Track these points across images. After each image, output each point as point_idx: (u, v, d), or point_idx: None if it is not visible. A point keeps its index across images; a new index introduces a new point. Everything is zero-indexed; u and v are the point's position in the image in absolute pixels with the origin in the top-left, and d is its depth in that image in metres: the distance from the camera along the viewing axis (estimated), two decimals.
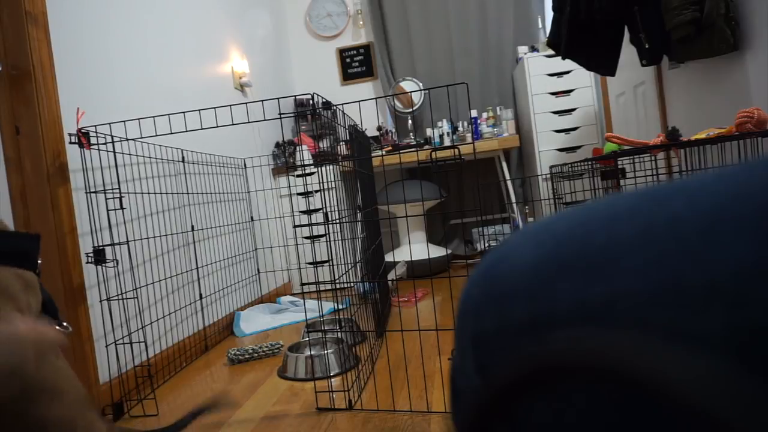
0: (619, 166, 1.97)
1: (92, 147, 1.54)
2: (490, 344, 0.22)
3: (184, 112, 1.89)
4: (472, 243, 3.79)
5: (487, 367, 0.22)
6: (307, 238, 1.52)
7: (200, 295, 2.24)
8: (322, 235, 1.44)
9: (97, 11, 1.81)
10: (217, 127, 1.67)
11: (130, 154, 1.86)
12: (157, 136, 1.78)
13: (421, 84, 3.69)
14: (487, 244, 3.40)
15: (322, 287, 3.12)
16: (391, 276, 2.75)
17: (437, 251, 3.31)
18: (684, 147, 1.94)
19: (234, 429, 1.37)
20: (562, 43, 2.42)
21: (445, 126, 3.49)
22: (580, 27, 2.32)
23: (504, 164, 3.33)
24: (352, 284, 2.86)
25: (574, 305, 0.19)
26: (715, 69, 2.03)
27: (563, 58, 2.48)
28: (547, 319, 0.20)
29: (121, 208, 1.63)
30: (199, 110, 1.57)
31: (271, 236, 3.12)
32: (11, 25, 1.45)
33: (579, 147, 3.20)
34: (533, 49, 3.43)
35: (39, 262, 0.63)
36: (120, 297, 1.63)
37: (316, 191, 1.65)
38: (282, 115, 1.40)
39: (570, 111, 3.21)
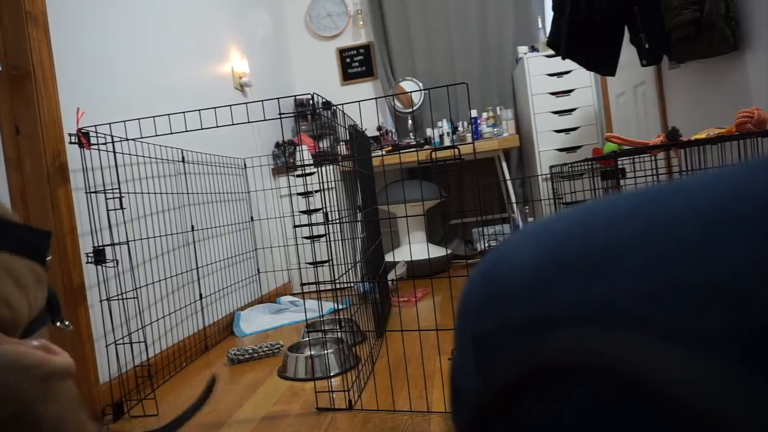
0: (619, 166, 1.97)
1: (92, 147, 1.54)
2: (490, 344, 0.22)
3: (184, 112, 1.89)
4: (472, 243, 3.79)
5: (487, 367, 0.22)
6: (307, 238, 1.52)
7: (200, 295, 2.24)
8: (322, 235, 1.44)
9: (97, 11, 1.81)
10: (217, 127, 1.67)
11: (130, 154, 1.86)
12: (157, 136, 1.78)
13: (421, 84, 3.69)
14: (487, 244, 3.40)
15: (322, 287, 3.12)
16: (391, 276, 2.75)
17: (437, 251, 3.31)
18: (684, 147, 1.94)
19: (234, 429, 1.37)
20: (562, 43, 2.42)
21: (445, 126, 3.49)
22: (580, 27, 2.32)
23: (504, 164, 3.33)
24: (352, 284, 2.86)
25: (574, 305, 0.19)
26: (715, 69, 2.03)
27: (563, 58, 2.48)
28: (547, 319, 0.20)
29: (121, 208, 1.63)
30: (199, 110, 1.57)
31: (271, 236, 3.12)
32: (11, 25, 1.45)
33: (579, 147, 3.20)
34: (533, 49, 3.43)
35: (49, 258, 0.64)
36: (120, 297, 1.63)
37: (316, 191, 1.66)
38: (282, 115, 1.40)
39: (570, 111, 3.21)
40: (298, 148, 3.17)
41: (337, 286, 2.94)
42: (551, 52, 2.84)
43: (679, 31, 1.86)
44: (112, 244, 1.56)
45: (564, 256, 0.21)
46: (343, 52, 3.97)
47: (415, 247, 3.28)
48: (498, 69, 3.72)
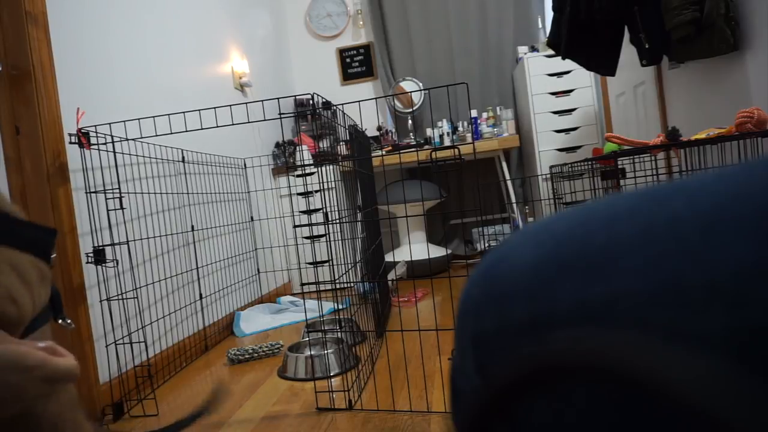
0: (619, 166, 1.97)
1: (92, 147, 1.54)
2: (490, 344, 0.22)
3: (184, 112, 1.89)
4: (472, 243, 3.79)
5: (487, 367, 0.22)
6: (307, 238, 1.52)
7: (200, 295, 2.24)
8: (322, 235, 1.44)
9: (97, 11, 1.81)
10: (217, 127, 1.67)
11: (130, 154, 1.86)
12: (157, 136, 1.78)
13: (421, 84, 3.69)
14: (487, 244, 3.40)
15: (322, 287, 3.12)
16: (391, 276, 2.75)
17: (437, 251, 3.31)
18: (684, 147, 1.94)
19: (234, 429, 1.37)
20: (562, 43, 2.42)
21: (445, 126, 3.49)
22: (580, 27, 2.32)
23: (504, 164, 3.33)
24: (352, 284, 2.86)
25: (574, 305, 0.19)
26: (715, 69, 2.03)
27: (563, 58, 2.48)
28: (547, 319, 0.20)
29: (121, 208, 1.63)
30: (199, 110, 1.57)
31: (271, 236, 3.12)
32: (11, 25, 1.45)
33: (579, 147, 3.20)
34: (533, 49, 3.43)
35: (53, 256, 0.64)
36: (120, 297, 1.63)
37: (316, 191, 1.65)
38: (282, 115, 1.40)
39: (570, 111, 3.21)
40: (298, 148, 3.17)
41: (337, 286, 2.94)
42: (551, 52, 2.84)
43: (679, 31, 1.86)
44: (112, 244, 1.56)
45: (564, 256, 0.21)
46: (343, 52, 3.97)
47: (415, 247, 3.28)
48: (498, 69, 3.72)
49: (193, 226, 2.25)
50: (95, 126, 1.60)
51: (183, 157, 2.25)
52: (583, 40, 2.36)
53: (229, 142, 2.73)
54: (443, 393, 1.44)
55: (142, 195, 1.91)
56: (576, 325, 0.19)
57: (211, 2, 2.75)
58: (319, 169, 1.83)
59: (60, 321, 0.64)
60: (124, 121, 1.72)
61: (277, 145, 3.27)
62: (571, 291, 0.19)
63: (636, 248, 0.19)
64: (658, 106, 2.58)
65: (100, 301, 1.59)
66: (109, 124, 1.61)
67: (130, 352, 1.69)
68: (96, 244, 1.52)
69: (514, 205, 3.31)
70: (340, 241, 2.93)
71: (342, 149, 3.08)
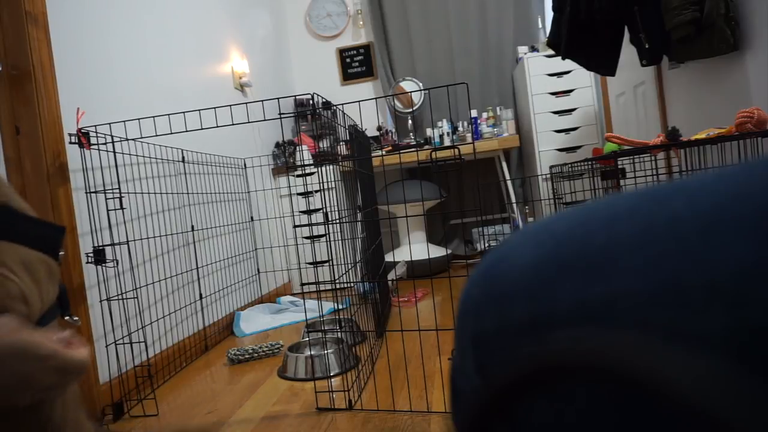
0: (619, 166, 1.97)
1: (92, 147, 1.54)
2: (490, 344, 0.22)
3: (184, 112, 1.89)
4: (472, 243, 3.79)
5: (487, 367, 0.22)
6: (307, 238, 1.52)
7: (200, 295, 2.24)
8: (322, 235, 1.44)
9: (97, 11, 1.81)
10: (217, 127, 1.67)
11: (130, 154, 1.86)
12: (157, 136, 1.78)
13: (421, 84, 3.69)
14: (487, 244, 3.40)
15: (322, 287, 3.12)
16: (391, 276, 2.75)
17: (437, 251, 3.31)
18: (684, 147, 1.94)
19: (234, 429, 1.37)
20: (562, 43, 2.42)
21: (445, 126, 3.49)
22: (580, 27, 2.32)
23: (504, 164, 3.33)
24: (352, 284, 2.86)
25: (574, 305, 0.19)
26: (715, 69, 2.03)
27: (563, 58, 2.48)
28: (547, 319, 0.20)
29: (121, 208, 1.63)
30: (199, 110, 1.57)
31: (271, 236, 3.12)
32: (11, 25, 1.45)
33: (579, 147, 3.20)
34: (533, 49, 3.43)
35: (61, 253, 0.65)
36: (120, 297, 1.63)
37: (316, 191, 1.65)
38: (282, 115, 1.40)
39: (570, 111, 3.21)
40: (298, 148, 3.17)
41: (337, 286, 2.94)
42: (551, 52, 2.84)
43: (679, 31, 1.86)
44: (112, 244, 1.56)
45: (564, 256, 0.21)
46: (343, 52, 3.97)
47: (415, 247, 3.28)
48: (498, 69, 3.72)
49: (193, 226, 2.25)
50: (95, 126, 1.60)
51: (183, 157, 2.25)
52: (583, 40, 2.36)
53: (229, 142, 2.73)
54: (443, 393, 1.44)
55: (142, 195, 1.91)
56: (576, 325, 0.19)
57: (211, 2, 2.75)
58: (319, 169, 1.83)
59: (67, 318, 0.64)
60: (124, 121, 1.72)
61: (277, 145, 3.27)
62: (571, 291, 0.19)
63: (636, 248, 0.19)
64: (658, 106, 2.58)
65: (100, 301, 1.59)
66: (109, 124, 1.61)
67: (130, 352, 1.69)
68: (96, 244, 1.52)
69: (514, 205, 3.31)
70: (340, 241, 2.93)
71: (342, 149, 3.08)
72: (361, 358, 1.79)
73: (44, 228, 0.63)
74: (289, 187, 3.17)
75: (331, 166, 3.01)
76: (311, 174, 1.77)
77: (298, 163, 3.10)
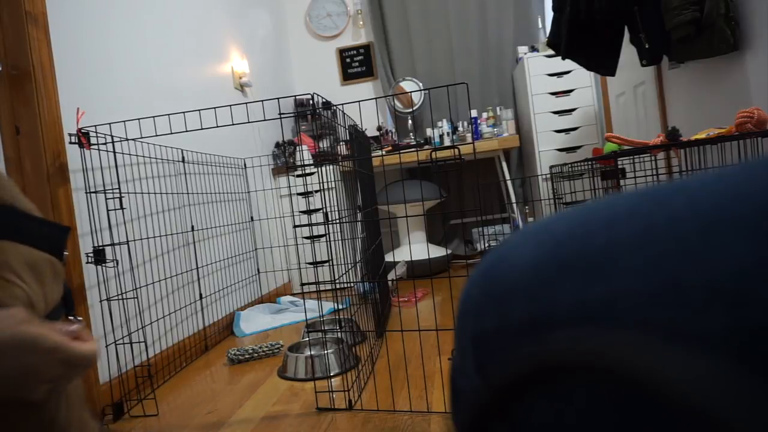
0: (619, 166, 1.97)
1: (92, 147, 1.54)
2: (490, 344, 0.22)
3: (184, 112, 1.89)
4: (472, 243, 3.79)
5: (487, 367, 0.22)
6: (307, 238, 1.52)
7: (200, 295, 2.24)
8: (322, 235, 1.44)
9: (97, 11, 1.81)
10: (217, 127, 1.67)
11: (130, 154, 1.86)
12: (157, 136, 1.78)
13: (421, 84, 3.69)
14: (487, 244, 3.40)
15: (322, 287, 3.12)
16: (391, 276, 2.75)
17: (437, 251, 3.31)
18: (684, 147, 1.94)
19: (234, 429, 1.37)
20: (562, 43, 2.42)
21: (445, 126, 3.49)
22: (580, 27, 2.32)
23: (504, 164, 3.33)
24: (352, 284, 2.86)
25: (574, 305, 0.19)
26: (715, 69, 2.03)
27: (563, 58, 2.48)
28: (547, 318, 0.20)
29: (121, 208, 1.63)
30: (199, 110, 1.57)
31: (271, 236, 3.12)
32: (11, 25, 1.45)
33: (579, 147, 3.20)
34: (533, 49, 3.43)
35: (66, 253, 0.65)
36: (120, 297, 1.63)
37: (316, 191, 1.65)
38: (282, 115, 1.40)
39: (570, 111, 3.21)
40: (298, 148, 3.17)
41: (337, 286, 2.94)
42: (551, 52, 2.84)
43: (679, 31, 1.86)
44: (112, 244, 1.56)
45: (564, 256, 0.21)
46: (343, 52, 3.97)
47: (415, 247, 3.28)
48: (498, 69, 3.72)
49: (193, 226, 2.25)
50: (95, 126, 1.60)
51: (183, 157, 2.25)
52: (583, 40, 2.36)
53: (229, 142, 2.73)
54: (443, 393, 1.44)
55: (142, 195, 1.91)
56: (576, 325, 0.19)
57: (211, 2, 2.75)
58: (319, 169, 1.83)
59: (71, 318, 0.65)
60: (124, 121, 1.72)
61: (277, 145, 3.27)
62: (571, 291, 0.19)
63: (636, 248, 0.19)
64: (658, 106, 2.58)
65: (100, 301, 1.59)
66: (109, 124, 1.61)
67: (130, 352, 1.69)
68: (96, 244, 1.52)
69: (514, 205, 3.31)
70: (340, 241, 2.93)
71: (342, 149, 3.08)
72: (361, 358, 1.79)
73: (49, 228, 0.63)
74: (289, 187, 3.17)
75: (331, 166, 3.01)
76: (311, 174, 1.77)
77: (298, 163, 3.10)
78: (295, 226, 1.46)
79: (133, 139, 1.76)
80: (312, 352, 1.72)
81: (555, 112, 3.22)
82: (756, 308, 0.15)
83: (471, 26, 3.69)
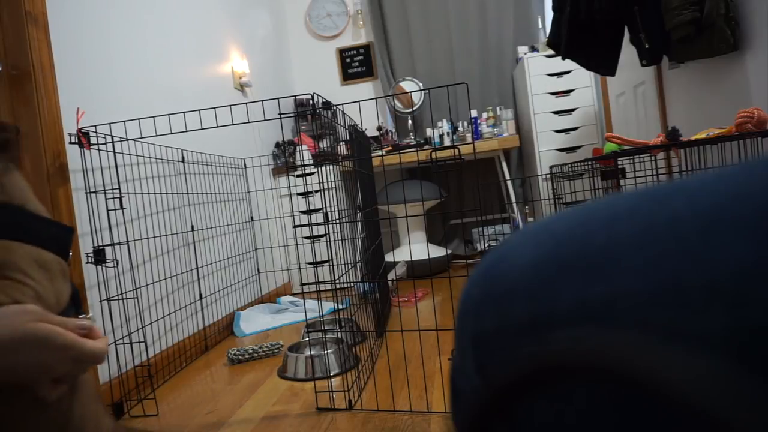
0: (619, 166, 1.97)
1: (92, 147, 1.54)
2: (490, 344, 0.22)
3: (184, 112, 1.89)
4: (472, 243, 3.79)
5: (487, 367, 0.22)
6: (307, 238, 1.52)
7: (200, 295, 2.24)
8: (322, 235, 1.44)
9: (97, 11, 1.81)
10: (217, 127, 1.67)
11: (130, 154, 1.86)
12: (157, 136, 1.78)
13: (421, 84, 3.69)
14: (487, 244, 3.40)
15: (322, 287, 3.12)
16: (391, 276, 2.76)
17: (437, 251, 3.31)
18: (684, 147, 1.94)
19: (234, 429, 1.37)
20: (562, 43, 2.42)
21: (445, 126, 3.49)
22: (580, 27, 2.32)
23: (504, 164, 3.33)
24: (352, 284, 2.86)
25: (574, 305, 0.19)
26: (715, 69, 2.03)
27: (563, 58, 2.48)
28: (547, 318, 0.20)
29: (121, 208, 1.63)
30: (199, 110, 1.57)
31: (271, 236, 3.12)
32: (11, 25, 1.45)
33: (579, 147, 3.20)
34: (533, 49, 3.43)
35: (71, 254, 0.67)
36: (120, 297, 1.63)
37: (316, 191, 1.65)
38: (282, 115, 1.40)
39: (570, 111, 3.21)
40: (298, 148, 3.17)
41: (337, 286, 2.94)
42: (551, 52, 2.84)
43: (679, 31, 1.86)
44: (112, 244, 1.56)
45: (564, 256, 0.21)
46: (343, 52, 3.97)
47: (415, 247, 3.28)
48: (498, 69, 3.72)
49: (193, 226, 2.25)
50: (95, 126, 1.60)
51: (183, 157, 2.25)
52: (583, 40, 2.36)
53: (229, 142, 2.73)
54: (443, 393, 1.44)
55: (142, 195, 1.91)
56: (576, 325, 0.19)
57: (211, 2, 2.75)
58: (319, 169, 1.83)
59: (81, 316, 0.66)
60: (124, 121, 1.72)
61: (277, 145, 3.27)
62: (571, 291, 0.19)
63: (636, 248, 0.19)
64: (658, 106, 2.58)
65: (100, 302, 1.59)
66: (109, 124, 1.61)
67: (130, 352, 1.69)
68: (96, 244, 1.52)
69: (514, 205, 3.31)
70: (340, 241, 2.93)
71: (342, 149, 3.08)
72: (361, 358, 1.79)
73: (56, 229, 0.64)
74: (289, 187, 3.17)
75: (331, 166, 3.01)
76: (311, 174, 1.77)
77: (298, 163, 3.10)
78: (295, 226, 1.46)
79: (133, 139, 1.76)
80: (312, 352, 1.72)
81: (555, 112, 3.22)
82: (756, 308, 0.15)
83: (471, 26, 3.69)
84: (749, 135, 1.62)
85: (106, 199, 1.62)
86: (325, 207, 1.54)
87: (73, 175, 1.58)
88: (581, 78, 3.17)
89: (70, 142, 1.49)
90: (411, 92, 3.64)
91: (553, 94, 3.21)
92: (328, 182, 2.36)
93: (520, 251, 0.23)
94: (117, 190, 1.65)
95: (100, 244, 1.55)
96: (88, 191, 1.55)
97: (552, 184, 2.83)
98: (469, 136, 3.45)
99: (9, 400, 0.52)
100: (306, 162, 3.03)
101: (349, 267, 3.00)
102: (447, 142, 3.48)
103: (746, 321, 0.15)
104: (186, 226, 2.20)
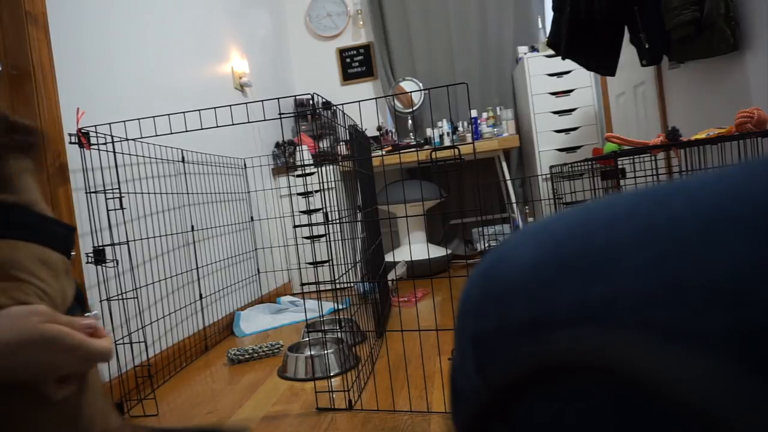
0: (619, 166, 1.97)
1: (92, 147, 1.54)
2: (490, 344, 0.22)
3: (184, 112, 1.89)
4: (472, 243, 3.79)
5: (487, 367, 0.22)
6: (307, 238, 1.52)
7: (200, 295, 2.24)
8: (322, 235, 1.44)
9: (97, 11, 1.81)
10: (217, 127, 1.67)
11: (130, 154, 1.86)
12: (157, 136, 1.78)
13: (421, 84, 3.69)
14: (487, 244, 3.40)
15: (322, 287, 3.12)
16: (391, 276, 2.75)
17: (437, 251, 3.31)
18: (684, 147, 1.94)
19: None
20: (562, 43, 2.42)
21: (445, 126, 3.49)
22: (580, 27, 2.32)
23: (504, 164, 3.33)
24: (352, 284, 2.86)
25: (574, 305, 0.19)
26: (715, 69, 2.03)
27: (563, 58, 2.48)
28: (547, 318, 0.20)
29: (121, 208, 1.63)
30: (199, 110, 1.57)
31: (271, 236, 3.12)
32: (11, 25, 1.45)
33: (579, 147, 3.20)
34: (533, 49, 3.43)
35: (73, 253, 0.68)
36: (120, 297, 1.63)
37: (316, 191, 1.65)
38: (282, 115, 1.40)
39: (570, 111, 3.21)
40: (298, 148, 3.17)
41: (337, 286, 2.94)
42: (551, 52, 2.84)
43: (679, 31, 1.86)
44: (112, 244, 1.56)
45: (564, 256, 0.21)
46: (343, 52, 3.97)
47: (415, 247, 3.28)
48: (498, 69, 3.71)
49: (193, 226, 2.25)
50: (95, 126, 1.59)
51: (183, 157, 2.25)
52: (583, 40, 2.36)
53: (229, 142, 2.73)
54: (443, 393, 1.44)
55: (142, 195, 1.91)
56: (576, 325, 0.19)
57: (211, 2, 2.75)
58: (319, 169, 1.83)
59: (87, 314, 0.68)
60: (124, 121, 1.72)
61: (277, 145, 3.27)
62: (571, 291, 0.19)
63: (636, 248, 0.19)
64: (658, 106, 2.58)
65: (100, 301, 1.59)
66: (109, 124, 1.61)
67: (130, 352, 1.69)
68: (96, 244, 1.52)
69: (514, 205, 3.31)
70: (340, 241, 2.93)
71: (342, 149, 3.08)
72: (361, 358, 1.79)
73: (60, 228, 0.66)
74: (289, 187, 3.17)
75: (331, 166, 3.01)
76: (311, 174, 1.77)
77: (298, 163, 3.10)
78: (295, 226, 1.46)
79: (133, 139, 1.76)
80: (312, 352, 1.72)
81: (555, 112, 3.22)
82: (756, 308, 0.15)
83: (471, 26, 3.69)
84: (749, 135, 1.62)
85: (106, 199, 1.62)
86: (325, 207, 1.54)
87: (73, 175, 1.58)
88: (581, 78, 3.17)
89: (70, 142, 1.49)
90: (411, 92, 3.64)
91: (553, 94, 3.21)
92: (328, 182, 2.36)
93: (520, 251, 0.23)
94: (117, 190, 1.65)
95: (100, 244, 1.55)
96: (88, 191, 1.55)
97: (552, 184, 2.83)
98: (469, 136, 3.45)
99: (19, 397, 0.54)
100: (306, 162, 3.03)
101: (349, 267, 3.00)
102: (447, 142, 3.48)
103: (746, 321, 0.15)
104: (186, 226, 2.20)
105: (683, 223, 0.18)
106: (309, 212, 1.55)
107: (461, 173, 3.83)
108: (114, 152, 1.66)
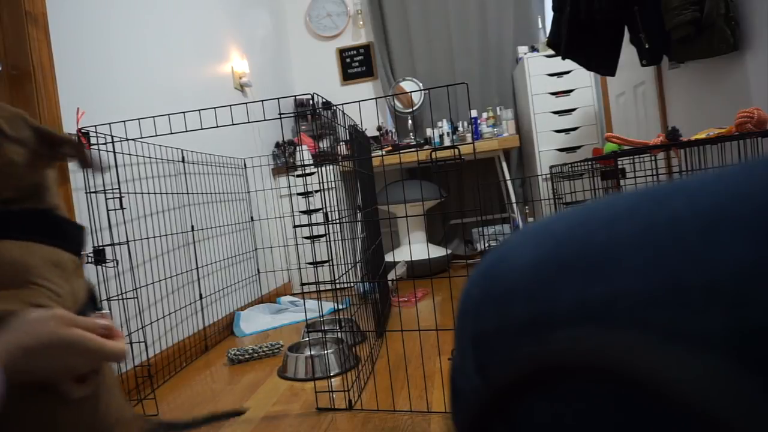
0: (619, 166, 1.97)
1: (92, 147, 1.54)
2: (490, 344, 0.22)
3: (184, 112, 1.89)
4: (472, 243, 3.79)
5: (487, 367, 0.22)
6: (307, 238, 1.52)
7: (200, 295, 2.24)
8: (322, 235, 1.44)
9: (97, 11, 1.81)
10: (217, 127, 1.67)
11: (130, 154, 1.86)
12: (157, 136, 1.78)
13: (421, 84, 3.69)
14: (487, 244, 3.40)
15: (322, 287, 3.12)
16: (391, 276, 2.75)
17: (437, 251, 3.31)
18: (684, 147, 1.94)
19: (234, 429, 1.37)
20: (562, 43, 2.42)
21: (445, 126, 3.49)
22: (580, 27, 2.32)
23: (504, 164, 3.33)
24: (352, 284, 2.86)
25: (573, 305, 0.19)
26: (715, 69, 2.03)
27: (563, 58, 2.48)
28: (547, 318, 0.20)
29: (121, 208, 1.63)
30: (199, 110, 1.57)
31: (271, 236, 3.12)
32: (11, 25, 1.45)
33: (579, 147, 3.20)
34: (533, 49, 3.43)
35: (83, 252, 0.70)
36: (120, 297, 1.63)
37: (316, 191, 1.65)
38: (282, 115, 1.40)
39: (570, 111, 3.21)
40: (298, 148, 3.17)
41: (337, 286, 2.94)
42: (551, 52, 2.84)
43: (679, 31, 1.86)
44: (112, 244, 1.56)
45: (564, 256, 0.21)
46: (343, 52, 3.97)
47: (415, 247, 3.28)
48: (498, 69, 3.71)
49: (193, 226, 2.25)
50: (95, 126, 1.59)
51: (183, 157, 2.25)
52: (583, 40, 2.36)
53: (229, 142, 2.73)
54: (443, 393, 1.44)
55: (142, 195, 1.91)
56: (576, 325, 0.19)
57: (211, 2, 2.75)
58: (319, 169, 1.83)
59: (97, 312, 0.69)
60: (124, 121, 1.72)
61: (277, 145, 3.27)
62: (571, 291, 0.19)
63: (636, 248, 0.19)
64: (658, 106, 2.58)
65: (100, 301, 1.59)
66: (109, 124, 1.61)
67: (130, 352, 1.69)
68: (96, 244, 1.52)
69: (514, 205, 3.31)
70: (340, 241, 2.93)
71: (342, 149, 3.08)
72: (361, 358, 1.79)
73: (73, 228, 0.68)
74: (289, 187, 3.17)
75: (331, 166, 3.01)
76: (311, 174, 1.77)
77: (298, 163, 3.10)
78: (295, 226, 1.46)
79: (133, 139, 1.76)
80: (312, 352, 1.72)
81: (555, 112, 3.22)
82: (756, 308, 0.15)
83: (471, 26, 3.69)
84: (749, 135, 1.62)
85: (106, 199, 1.62)
86: (325, 207, 1.54)
87: (73, 175, 1.58)
88: (581, 78, 3.17)
89: None
90: (411, 92, 3.64)
91: (553, 94, 3.21)
92: (328, 182, 2.36)
93: (520, 251, 0.23)
94: (117, 190, 1.65)
95: (100, 244, 1.55)
96: (88, 191, 1.55)
97: (552, 184, 2.83)
98: (469, 136, 3.45)
99: (38, 396, 0.56)
100: (306, 162, 3.03)
101: (349, 267, 3.00)
102: (447, 142, 3.48)
103: (746, 321, 0.15)
104: (186, 226, 2.20)
105: (683, 223, 0.18)
106: (309, 212, 1.55)
107: (461, 173, 3.83)
108: (114, 152, 1.66)
